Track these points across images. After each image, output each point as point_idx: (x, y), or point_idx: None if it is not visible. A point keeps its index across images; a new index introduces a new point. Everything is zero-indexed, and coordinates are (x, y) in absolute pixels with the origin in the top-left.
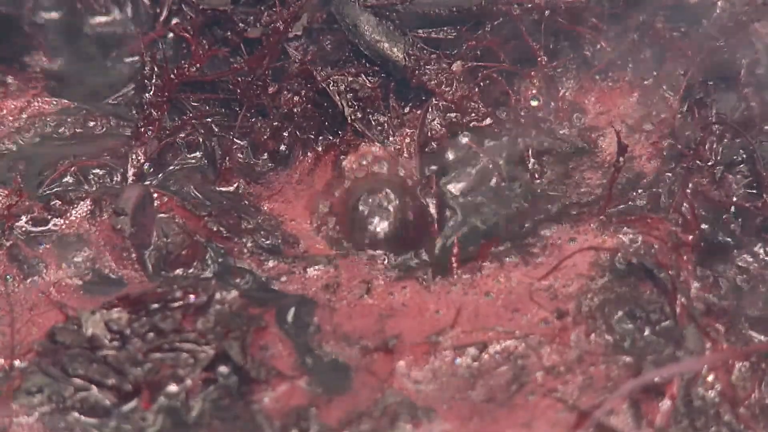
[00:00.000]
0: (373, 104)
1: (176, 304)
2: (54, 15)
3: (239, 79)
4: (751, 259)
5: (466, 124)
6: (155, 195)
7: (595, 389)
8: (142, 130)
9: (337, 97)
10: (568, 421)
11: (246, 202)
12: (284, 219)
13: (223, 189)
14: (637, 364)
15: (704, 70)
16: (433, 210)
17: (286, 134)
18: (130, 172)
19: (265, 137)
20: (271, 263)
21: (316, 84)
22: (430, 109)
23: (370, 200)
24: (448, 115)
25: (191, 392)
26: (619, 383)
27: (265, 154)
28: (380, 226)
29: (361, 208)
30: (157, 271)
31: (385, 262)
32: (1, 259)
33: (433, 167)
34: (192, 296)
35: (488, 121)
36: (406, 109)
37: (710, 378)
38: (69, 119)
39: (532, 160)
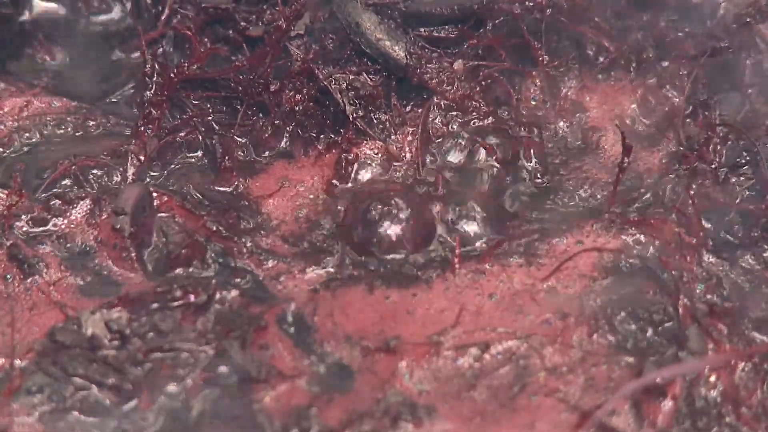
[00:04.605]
0: (375, 103)
1: (176, 304)
2: (54, 14)
3: (240, 77)
4: (754, 261)
5: (467, 123)
6: (155, 194)
7: (597, 390)
8: (142, 129)
9: (339, 96)
10: (570, 421)
11: (246, 202)
12: (284, 218)
13: (223, 188)
14: (640, 365)
15: (708, 70)
16: (436, 209)
17: (287, 132)
18: (130, 171)
19: (267, 135)
20: (270, 263)
21: (317, 82)
22: (431, 108)
23: (372, 202)
24: (449, 114)
25: (191, 392)
26: (621, 384)
27: (266, 153)
28: (381, 226)
29: (360, 207)
30: (157, 271)
31: (387, 261)
32: (1, 259)
33: (436, 167)
34: (192, 296)
35: (489, 120)
36: (408, 108)
37: (713, 378)
38: (69, 119)
39: (534, 160)
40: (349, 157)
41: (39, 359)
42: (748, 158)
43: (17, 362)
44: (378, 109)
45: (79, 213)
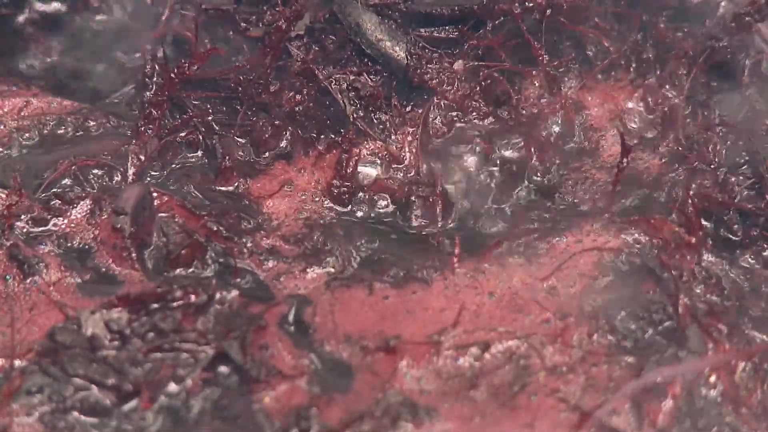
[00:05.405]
0: (375, 103)
1: (176, 304)
2: (54, 13)
3: (241, 77)
4: (753, 260)
5: (467, 124)
6: (155, 194)
7: (597, 389)
8: (143, 129)
9: (339, 96)
10: (571, 421)
11: (246, 202)
12: (284, 218)
13: (223, 188)
14: (640, 365)
15: (707, 70)
16: (437, 209)
17: (287, 133)
18: (130, 171)
19: (267, 136)
20: (270, 263)
21: (318, 83)
22: (431, 108)
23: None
24: (449, 114)
25: (191, 392)
26: (621, 383)
27: (267, 153)
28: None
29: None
30: (157, 271)
31: (386, 262)
32: (1, 259)
33: (436, 166)
34: (192, 296)
35: (490, 120)
36: (408, 108)
37: (713, 378)
38: (69, 119)
39: (534, 159)
40: (350, 157)
41: (39, 359)
42: (747, 158)
43: (17, 362)
44: (378, 109)
45: (79, 213)
